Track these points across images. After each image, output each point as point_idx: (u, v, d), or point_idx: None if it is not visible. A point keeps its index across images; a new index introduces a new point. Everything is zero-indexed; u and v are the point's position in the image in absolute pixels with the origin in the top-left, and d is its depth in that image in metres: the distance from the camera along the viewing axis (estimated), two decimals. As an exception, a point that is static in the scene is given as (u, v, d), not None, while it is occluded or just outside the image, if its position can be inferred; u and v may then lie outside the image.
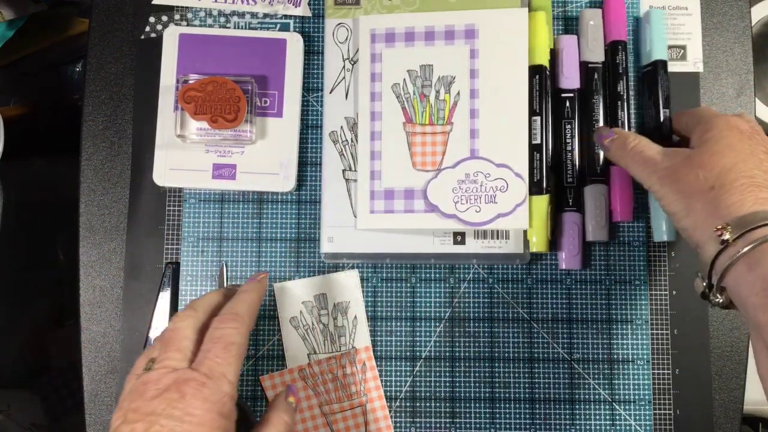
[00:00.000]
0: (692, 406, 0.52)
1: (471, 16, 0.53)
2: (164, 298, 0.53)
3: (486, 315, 0.54)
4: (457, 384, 0.53)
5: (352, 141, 0.54)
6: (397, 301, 0.54)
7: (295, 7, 0.56)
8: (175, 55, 0.54)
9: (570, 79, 0.53)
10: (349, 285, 0.53)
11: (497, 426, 0.53)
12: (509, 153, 0.51)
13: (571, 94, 0.53)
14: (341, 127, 0.54)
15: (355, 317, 0.53)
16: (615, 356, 0.53)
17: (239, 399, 0.49)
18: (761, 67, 0.82)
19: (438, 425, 0.53)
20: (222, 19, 0.56)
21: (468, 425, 0.53)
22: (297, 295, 0.53)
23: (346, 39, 0.55)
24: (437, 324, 0.54)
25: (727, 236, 0.37)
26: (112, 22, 0.57)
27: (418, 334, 0.53)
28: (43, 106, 0.89)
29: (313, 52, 0.56)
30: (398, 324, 0.54)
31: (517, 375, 0.53)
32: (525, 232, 0.52)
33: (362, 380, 0.52)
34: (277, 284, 0.53)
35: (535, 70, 0.52)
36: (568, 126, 0.53)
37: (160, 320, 0.53)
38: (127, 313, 0.54)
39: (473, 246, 0.52)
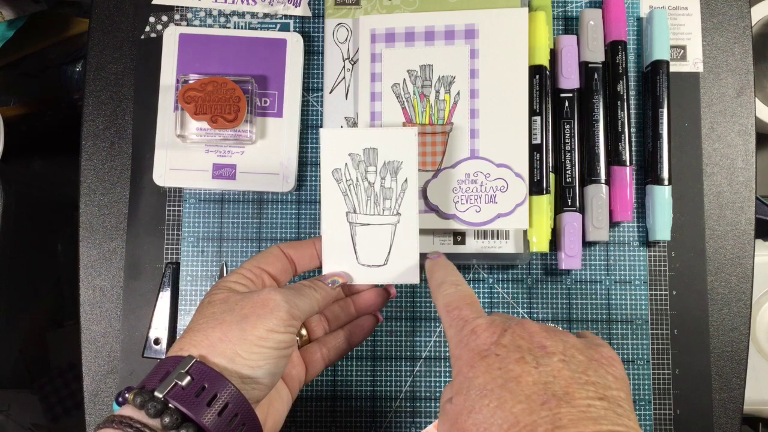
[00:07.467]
0: (692, 406, 0.52)
1: (471, 16, 0.53)
2: (164, 298, 0.53)
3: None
4: (457, 384, 0.53)
5: (352, 141, 0.54)
6: (397, 302, 0.54)
7: (295, 7, 0.56)
8: (175, 55, 0.54)
9: (570, 79, 0.53)
10: (405, 143, 0.46)
11: (497, 426, 0.52)
12: (509, 153, 0.51)
13: (571, 94, 0.53)
14: (341, 127, 0.54)
15: (406, 180, 0.47)
16: (615, 356, 0.53)
17: None
18: (761, 67, 0.82)
19: (438, 425, 0.53)
20: (222, 19, 0.56)
21: (468, 425, 0.53)
22: (345, 144, 0.46)
23: (346, 39, 0.55)
24: (437, 324, 0.54)
25: None
26: (112, 22, 0.57)
27: (418, 334, 0.53)
28: (43, 106, 0.89)
29: (313, 52, 0.56)
30: (398, 324, 0.53)
31: (517, 375, 0.53)
32: (525, 232, 0.52)
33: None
34: (324, 129, 0.47)
35: (535, 70, 0.52)
36: (568, 126, 0.53)
37: (160, 320, 0.53)
38: (127, 313, 0.54)
39: (473, 246, 0.52)
